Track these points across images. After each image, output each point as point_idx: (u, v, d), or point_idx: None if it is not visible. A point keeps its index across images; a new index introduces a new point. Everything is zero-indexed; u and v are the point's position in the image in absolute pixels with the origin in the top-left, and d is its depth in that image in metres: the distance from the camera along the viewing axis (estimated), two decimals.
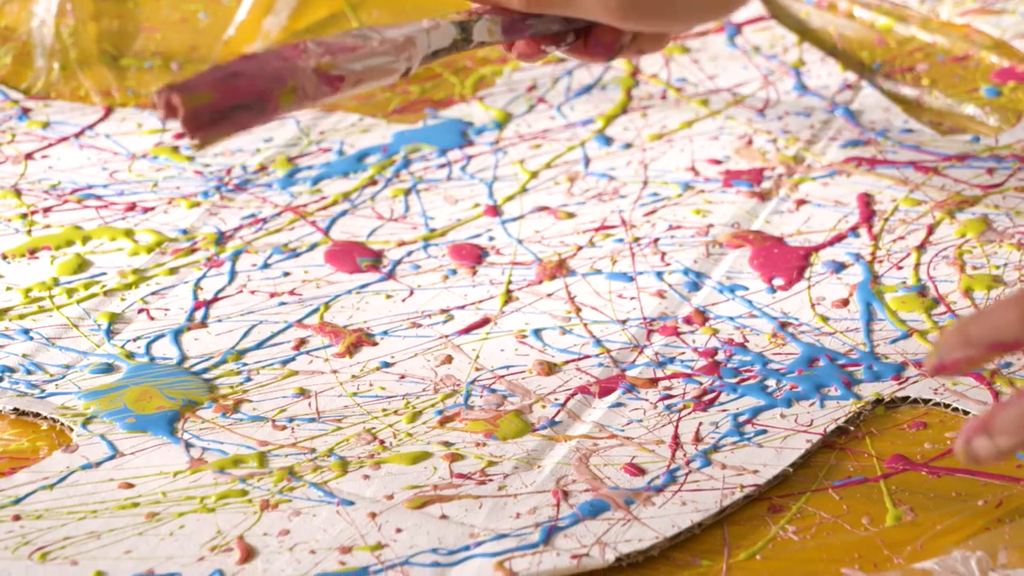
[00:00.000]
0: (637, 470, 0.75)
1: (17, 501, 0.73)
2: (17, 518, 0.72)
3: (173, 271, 0.86)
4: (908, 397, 0.78)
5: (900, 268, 0.86)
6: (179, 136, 0.94)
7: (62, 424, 0.77)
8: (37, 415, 0.78)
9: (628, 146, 0.95)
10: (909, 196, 0.90)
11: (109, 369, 0.80)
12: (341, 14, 1.05)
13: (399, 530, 0.72)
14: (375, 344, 0.82)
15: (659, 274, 0.86)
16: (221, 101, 0.67)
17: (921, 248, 0.87)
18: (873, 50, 1.02)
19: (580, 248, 0.88)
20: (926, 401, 0.78)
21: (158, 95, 0.67)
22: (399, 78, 0.74)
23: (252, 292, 0.85)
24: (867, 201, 0.90)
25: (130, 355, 0.81)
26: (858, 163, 0.93)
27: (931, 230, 0.88)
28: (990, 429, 0.65)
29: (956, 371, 0.65)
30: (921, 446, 0.76)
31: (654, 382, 0.79)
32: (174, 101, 0.67)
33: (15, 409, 0.78)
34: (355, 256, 0.87)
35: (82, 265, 0.86)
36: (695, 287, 0.85)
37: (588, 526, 0.72)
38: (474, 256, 0.87)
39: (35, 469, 0.75)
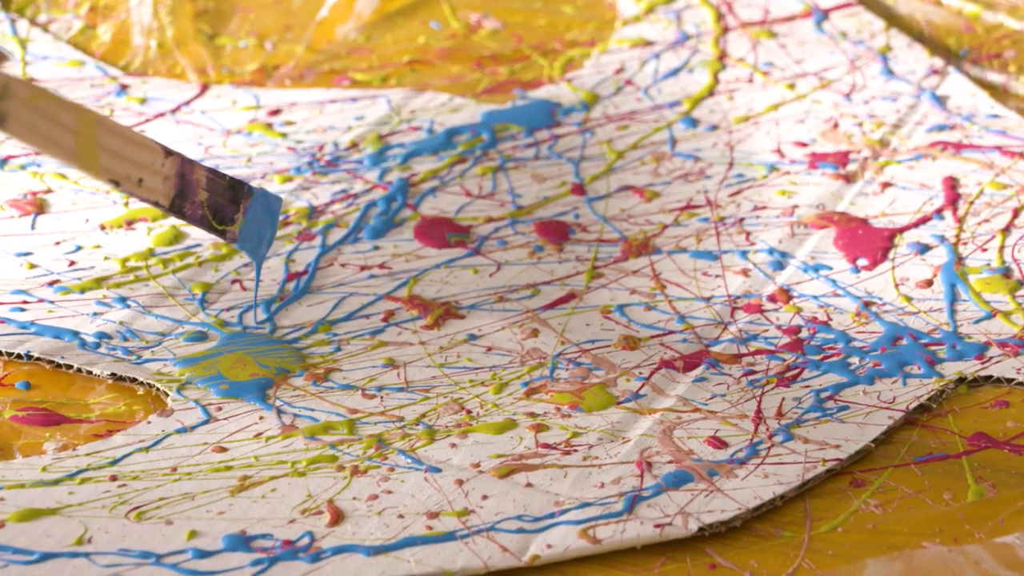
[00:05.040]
0: (720, 443, 0.76)
1: (114, 462, 0.75)
2: (114, 478, 0.74)
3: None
4: (991, 376, 0.79)
5: (985, 250, 0.86)
6: (272, 113, 0.96)
7: (158, 389, 0.79)
8: (134, 380, 0.80)
9: (714, 128, 0.96)
10: (995, 180, 0.91)
11: (203, 337, 0.82)
12: None
13: (485, 497, 0.73)
14: (462, 317, 0.83)
15: (743, 253, 0.87)
16: None
17: (1006, 231, 0.87)
18: (960, 36, 1.03)
19: (665, 227, 0.89)
20: (1009, 380, 0.79)
21: None
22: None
23: (343, 265, 0.87)
24: (952, 184, 0.91)
25: (223, 324, 0.83)
26: (944, 147, 0.93)
27: (1016, 213, 0.88)
28: None
29: None
30: (1003, 424, 0.77)
31: (738, 358, 0.80)
32: None
33: (112, 374, 0.80)
34: (444, 232, 0.89)
35: (177, 237, 0.88)
36: (779, 266, 0.86)
37: (671, 496, 0.73)
38: (561, 233, 0.89)
39: (131, 432, 0.77)
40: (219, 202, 0.79)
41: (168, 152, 0.78)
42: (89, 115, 0.75)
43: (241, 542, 0.71)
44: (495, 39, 1.04)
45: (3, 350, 0.81)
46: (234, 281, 0.86)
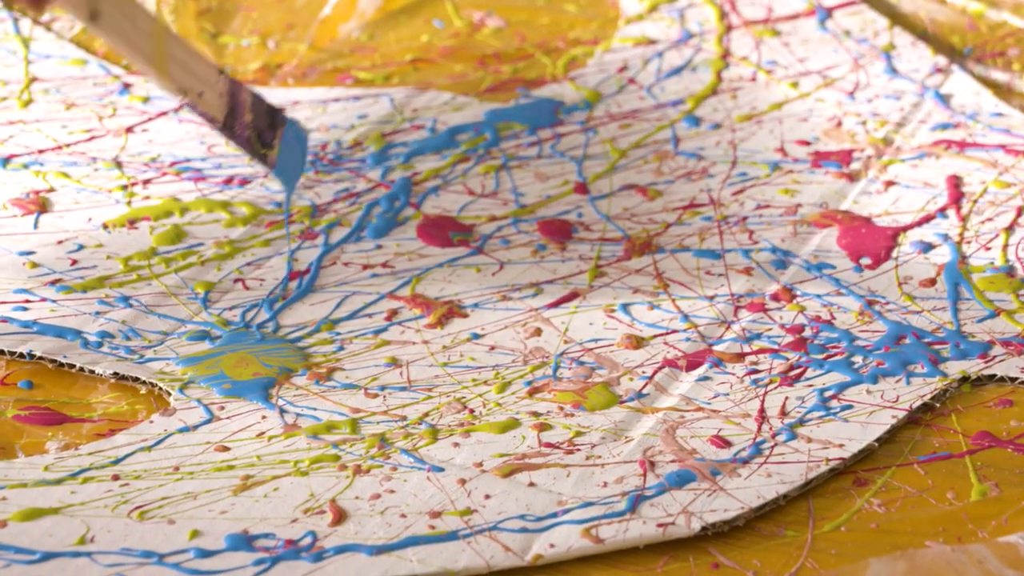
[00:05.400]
0: (723, 442, 0.76)
1: (116, 462, 0.75)
2: (116, 478, 0.74)
3: (268, 243, 0.88)
4: (995, 375, 0.79)
5: (988, 249, 0.86)
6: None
7: (160, 388, 0.79)
8: (136, 379, 0.80)
9: (717, 126, 0.96)
10: (999, 178, 0.91)
11: (205, 336, 0.82)
12: None
13: (488, 496, 0.73)
14: (465, 316, 0.83)
15: (747, 252, 0.87)
16: None
17: (1010, 229, 0.87)
18: (964, 35, 1.02)
19: (668, 226, 0.89)
20: (1013, 379, 0.79)
21: None
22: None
23: (346, 264, 0.87)
24: (956, 183, 0.91)
25: (226, 323, 0.83)
26: (947, 145, 0.93)
27: (1020, 212, 0.88)
28: None
29: None
30: (1007, 423, 0.77)
31: (741, 357, 0.80)
32: None
33: (115, 373, 0.80)
34: (447, 230, 0.89)
35: (179, 236, 0.88)
36: (783, 265, 0.86)
37: (674, 496, 0.73)
38: (564, 232, 0.89)
39: (134, 431, 0.77)
40: (261, 125, 0.80)
41: (220, 70, 0.79)
42: (162, 23, 0.77)
43: (243, 542, 0.71)
44: (498, 38, 1.04)
45: (6, 349, 0.81)
46: (236, 280, 0.86)
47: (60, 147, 0.94)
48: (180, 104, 0.78)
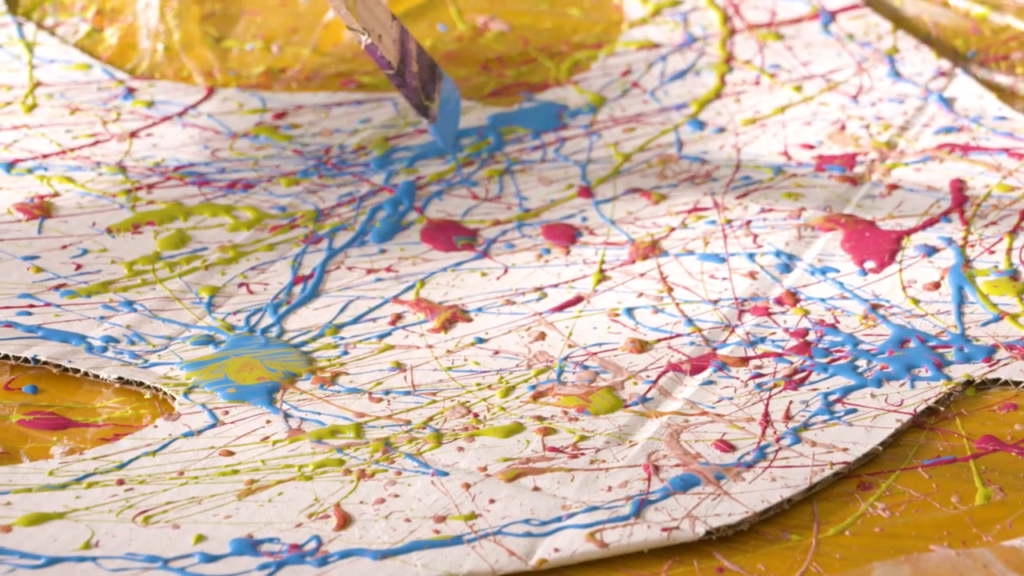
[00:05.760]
0: (727, 446, 0.76)
1: (121, 466, 0.75)
2: (121, 482, 0.74)
3: (272, 247, 0.88)
4: (999, 379, 0.79)
5: (992, 252, 0.86)
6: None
7: (164, 393, 0.79)
8: (140, 384, 0.80)
9: (721, 130, 0.96)
10: (1002, 182, 0.91)
11: (209, 341, 0.82)
12: None
13: (492, 500, 0.73)
14: (470, 320, 0.83)
15: (751, 255, 0.87)
16: None
17: (1013, 233, 0.87)
18: (967, 38, 1.02)
19: (672, 229, 0.89)
20: (1017, 383, 0.79)
21: None
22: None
23: (349, 268, 0.87)
24: (959, 187, 0.91)
25: (230, 328, 0.83)
26: (951, 149, 0.93)
27: None
28: None
29: None
30: (1011, 427, 0.77)
31: (745, 361, 0.80)
32: None
33: (119, 378, 0.80)
34: (451, 235, 0.89)
35: (183, 240, 0.88)
36: (787, 269, 0.86)
37: (679, 500, 0.73)
38: (568, 236, 0.89)
39: (138, 436, 0.77)
40: (425, 77, 0.79)
41: (392, 16, 0.79)
42: None
43: (248, 546, 0.71)
44: (501, 41, 1.04)
45: (10, 354, 0.81)
46: (240, 285, 0.86)
47: (64, 152, 0.94)
48: (362, 44, 0.77)
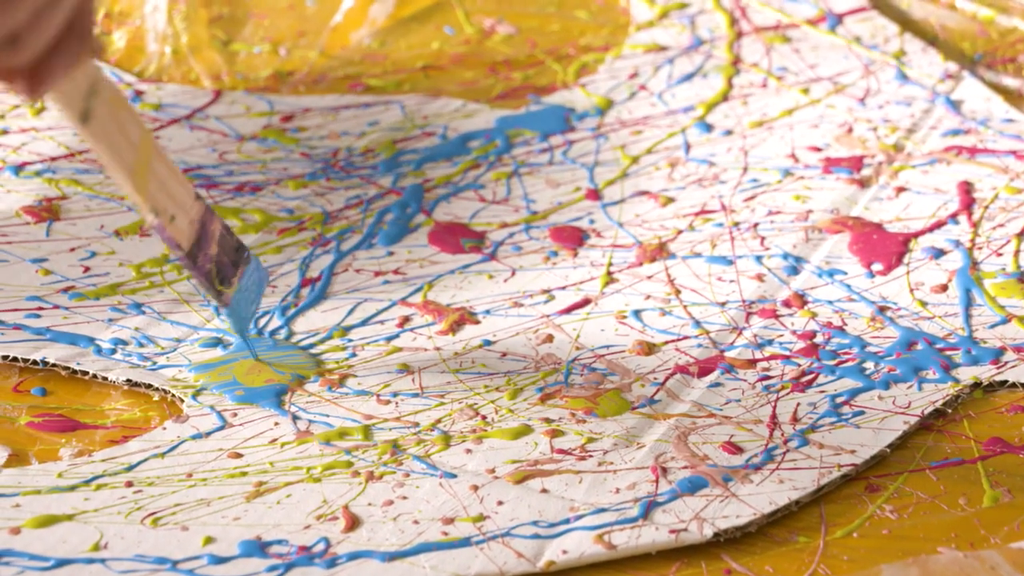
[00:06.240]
0: (735, 448, 0.76)
1: (130, 468, 0.75)
2: (130, 484, 0.74)
3: (280, 249, 0.88)
4: (1006, 381, 0.79)
5: (1000, 255, 0.86)
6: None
7: (173, 395, 0.79)
8: (149, 386, 0.80)
9: (729, 133, 0.96)
10: (1010, 184, 0.91)
11: (218, 343, 0.82)
12: (446, 2, 1.07)
13: (500, 502, 0.73)
14: (477, 323, 0.83)
15: (758, 258, 0.87)
16: None
17: (1022, 235, 0.87)
18: (975, 41, 1.03)
19: (680, 232, 0.89)
20: None
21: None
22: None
23: (357, 271, 0.87)
24: (967, 189, 0.91)
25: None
26: (958, 151, 0.93)
27: None
28: None
29: None
30: (1019, 429, 0.77)
31: (752, 363, 0.80)
32: None
33: (128, 380, 0.80)
34: (458, 237, 0.89)
35: None
36: (794, 271, 0.86)
37: (686, 502, 0.73)
38: (575, 238, 0.89)
39: (147, 438, 0.77)
40: (224, 261, 0.77)
41: (197, 196, 0.76)
42: (149, 136, 0.73)
43: (256, 548, 0.71)
44: (509, 44, 1.04)
45: (19, 356, 0.81)
46: None
47: (72, 154, 0.94)
48: (147, 226, 0.72)
